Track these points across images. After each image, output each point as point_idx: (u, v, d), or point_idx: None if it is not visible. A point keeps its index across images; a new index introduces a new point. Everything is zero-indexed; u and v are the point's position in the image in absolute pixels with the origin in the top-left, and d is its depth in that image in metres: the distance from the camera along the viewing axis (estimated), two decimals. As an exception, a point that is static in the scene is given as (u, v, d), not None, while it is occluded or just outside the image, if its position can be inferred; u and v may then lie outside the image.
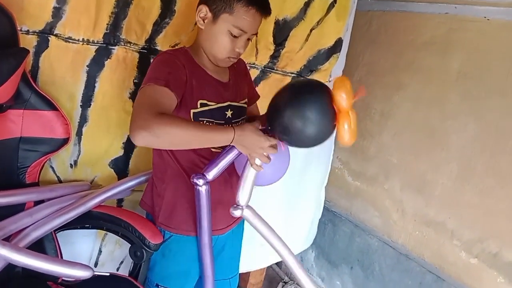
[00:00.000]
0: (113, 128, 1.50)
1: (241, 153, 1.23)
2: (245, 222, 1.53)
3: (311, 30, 1.73)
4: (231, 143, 1.17)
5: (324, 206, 2.23)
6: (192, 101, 1.24)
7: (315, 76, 1.84)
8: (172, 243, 1.37)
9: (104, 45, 1.38)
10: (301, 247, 2.25)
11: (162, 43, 1.47)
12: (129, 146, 1.55)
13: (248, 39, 1.27)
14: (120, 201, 1.60)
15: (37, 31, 1.28)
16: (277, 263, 2.50)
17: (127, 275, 1.43)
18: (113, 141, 1.52)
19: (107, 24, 1.36)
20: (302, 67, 1.80)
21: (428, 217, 1.78)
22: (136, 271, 1.40)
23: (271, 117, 1.20)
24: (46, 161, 1.37)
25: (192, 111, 1.25)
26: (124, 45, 1.41)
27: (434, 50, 1.77)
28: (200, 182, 1.22)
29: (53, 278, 1.31)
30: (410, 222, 1.85)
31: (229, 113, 1.33)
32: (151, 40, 1.45)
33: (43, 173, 1.39)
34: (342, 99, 1.08)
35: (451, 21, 1.71)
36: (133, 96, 1.47)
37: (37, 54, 1.31)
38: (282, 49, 1.72)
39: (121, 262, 1.70)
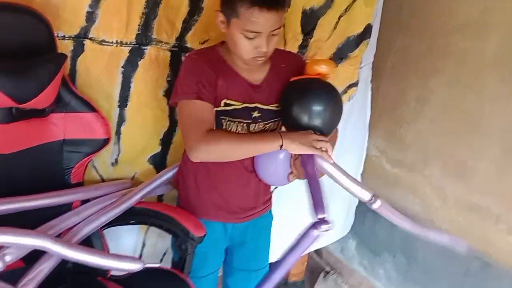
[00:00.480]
0: (150, 126, 1.54)
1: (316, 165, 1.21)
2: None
3: (339, 18, 1.72)
4: (282, 146, 1.18)
5: (363, 195, 2.20)
6: (215, 100, 1.25)
7: (346, 63, 1.83)
8: None
9: (137, 45, 1.41)
10: (339, 235, 2.25)
11: (192, 40, 1.49)
12: (166, 142, 1.58)
13: (273, 35, 1.19)
14: (160, 195, 1.64)
15: (73, 36, 1.32)
16: (317, 253, 2.50)
17: (171, 266, 1.46)
18: (151, 138, 1.56)
19: (138, 25, 1.39)
20: (332, 55, 1.79)
21: (471, 202, 1.72)
22: (181, 264, 1.42)
23: (282, 113, 1.32)
24: (89, 162, 1.42)
25: (214, 109, 1.26)
26: (156, 45, 1.44)
27: (468, 32, 1.70)
28: (325, 228, 1.11)
29: (103, 273, 1.36)
30: (453, 208, 1.80)
31: (255, 114, 1.32)
32: (181, 38, 1.48)
33: (86, 172, 1.44)
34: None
35: (485, 0, 1.64)
36: (167, 94, 1.50)
37: (74, 58, 1.35)
38: (311, 38, 1.71)
39: (164, 254, 1.75)
